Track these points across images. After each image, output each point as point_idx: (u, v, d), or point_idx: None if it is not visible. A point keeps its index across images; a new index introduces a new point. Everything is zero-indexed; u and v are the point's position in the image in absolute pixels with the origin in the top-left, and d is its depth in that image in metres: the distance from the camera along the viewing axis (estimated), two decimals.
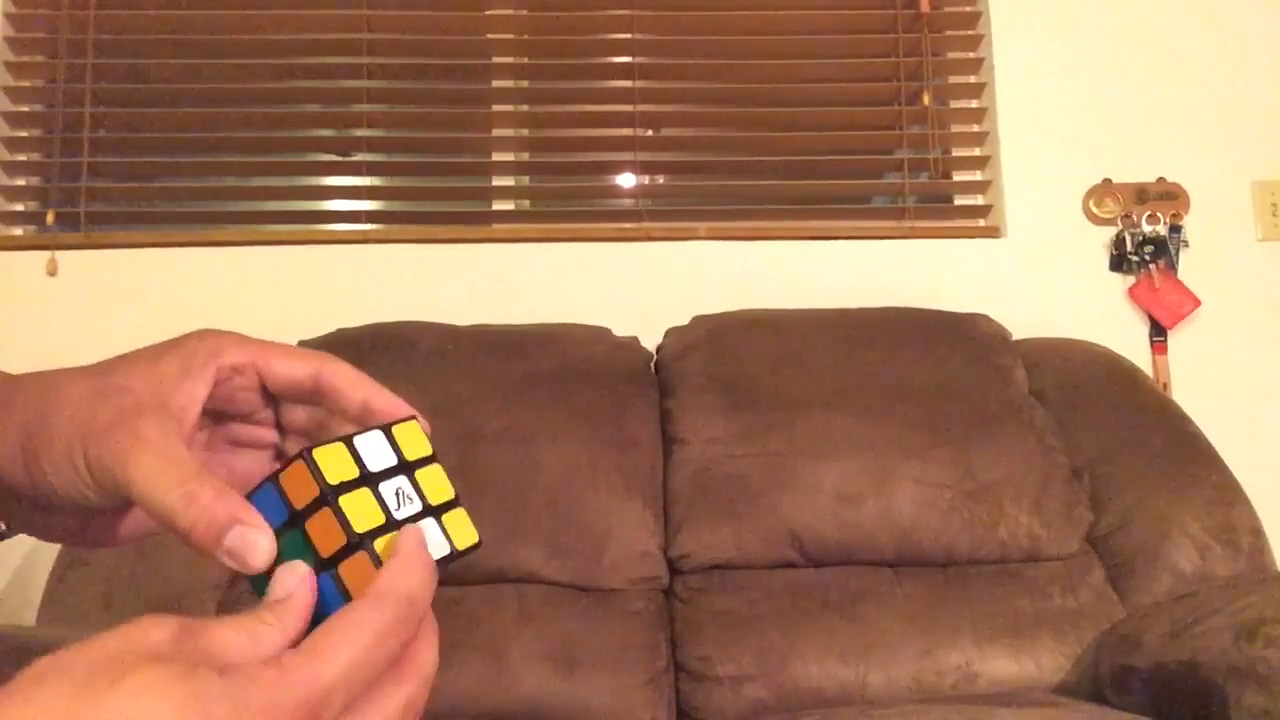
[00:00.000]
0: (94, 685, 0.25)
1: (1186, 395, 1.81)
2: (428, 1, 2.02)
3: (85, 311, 1.87)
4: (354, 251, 1.91)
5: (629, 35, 2.04)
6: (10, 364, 0.41)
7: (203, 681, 0.26)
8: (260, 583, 0.34)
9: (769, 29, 2.04)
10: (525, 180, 2.12)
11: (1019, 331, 1.68)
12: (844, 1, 2.05)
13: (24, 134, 1.99)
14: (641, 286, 1.90)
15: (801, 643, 1.31)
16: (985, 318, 1.66)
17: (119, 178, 2.02)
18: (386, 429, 0.36)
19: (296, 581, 0.32)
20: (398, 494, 0.35)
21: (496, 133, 2.06)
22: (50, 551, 1.47)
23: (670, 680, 1.35)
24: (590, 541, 1.39)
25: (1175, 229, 1.92)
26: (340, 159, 2.05)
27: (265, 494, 0.34)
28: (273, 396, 0.41)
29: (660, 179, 2.06)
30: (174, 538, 0.33)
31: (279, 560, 0.33)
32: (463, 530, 0.37)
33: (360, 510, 0.33)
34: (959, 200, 2.05)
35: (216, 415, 0.40)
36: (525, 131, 2.09)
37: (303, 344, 1.53)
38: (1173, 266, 1.91)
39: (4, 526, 0.40)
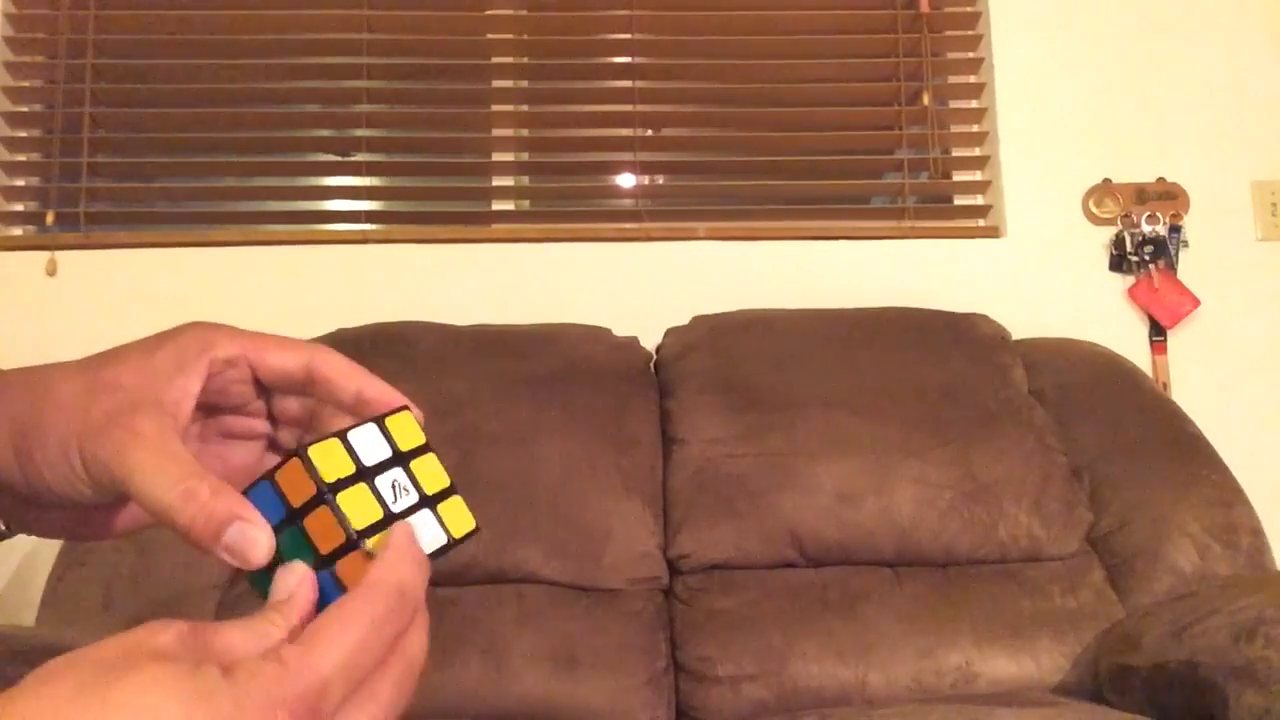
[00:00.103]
0: (101, 681, 0.26)
1: (1186, 395, 1.81)
2: (428, 1, 2.02)
3: (85, 311, 1.86)
4: (354, 251, 1.91)
5: (629, 35, 2.04)
6: (10, 364, 0.41)
7: (206, 678, 0.26)
8: (259, 579, 0.34)
9: (769, 29, 2.04)
10: (525, 180, 2.12)
11: (1019, 331, 1.68)
12: (844, 1, 2.05)
13: (24, 134, 1.99)
14: (641, 286, 1.90)
15: (801, 643, 1.31)
16: (985, 318, 1.66)
17: (119, 178, 2.02)
18: (380, 421, 0.36)
19: (297, 581, 0.32)
20: (394, 486, 0.35)
21: (496, 133, 2.06)
22: (50, 551, 1.47)
23: (670, 680, 1.35)
24: (590, 541, 1.39)
25: (1175, 229, 1.92)
26: (340, 159, 2.05)
27: (262, 491, 0.34)
28: (265, 388, 0.41)
29: (660, 179, 2.06)
30: (172, 536, 0.33)
31: (278, 556, 0.33)
32: (459, 518, 0.37)
33: (357, 506, 0.33)
34: (959, 200, 2.05)
35: (209, 408, 0.40)
36: (525, 131, 2.09)
37: None
38: (1172, 266, 1.91)
39: (3, 526, 0.40)
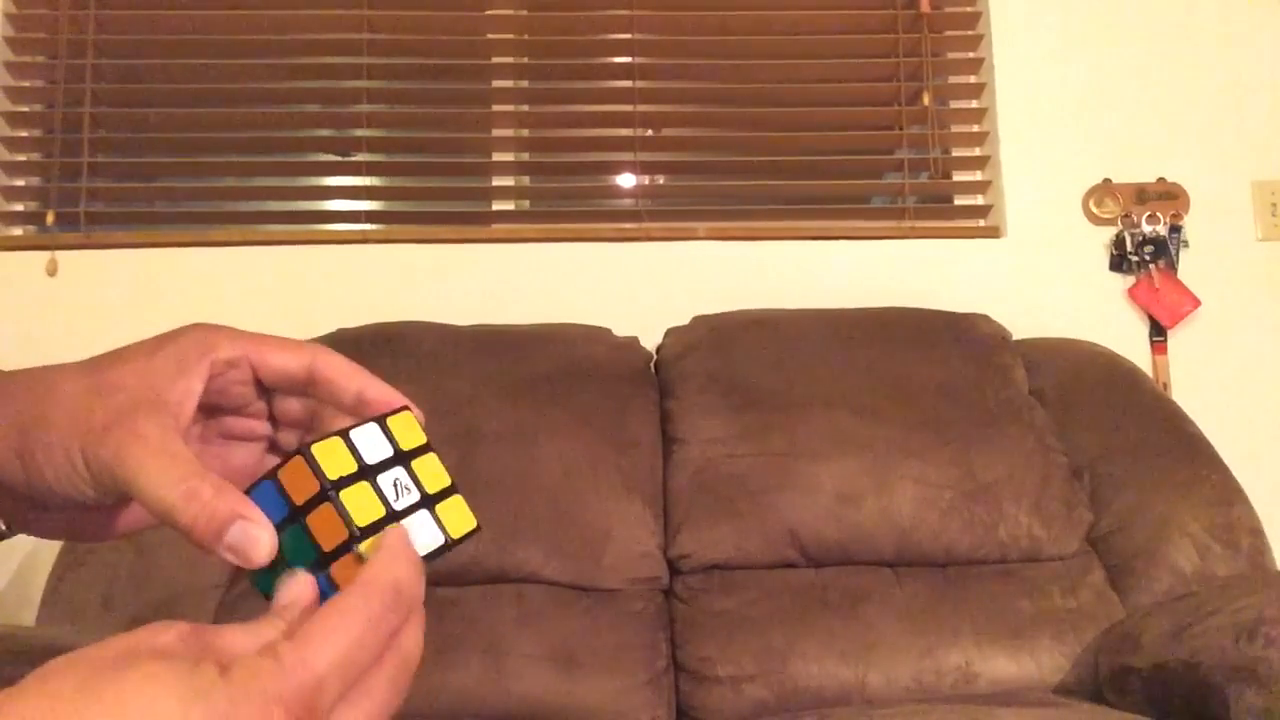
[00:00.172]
0: (100, 679, 0.26)
1: (1186, 395, 1.81)
2: (428, 1, 2.02)
3: (85, 311, 1.87)
4: (354, 251, 1.91)
5: (629, 35, 2.04)
6: (10, 364, 0.41)
7: (203, 676, 0.27)
8: (262, 579, 0.34)
9: (769, 29, 2.04)
10: (525, 180, 2.12)
11: (1019, 331, 1.68)
12: (844, 1, 2.05)
13: (24, 134, 1.99)
14: (641, 286, 1.90)
15: (801, 643, 1.31)
16: (985, 317, 1.66)
17: (119, 178, 2.02)
18: (382, 421, 0.36)
19: (300, 586, 0.33)
20: (396, 485, 0.35)
21: (496, 133, 2.06)
22: (50, 551, 1.47)
23: (670, 680, 1.35)
24: (590, 541, 1.39)
25: (1175, 229, 1.92)
26: (340, 159, 2.05)
27: (264, 490, 0.34)
28: (266, 389, 0.41)
29: (660, 179, 2.06)
30: (172, 536, 0.33)
31: (280, 555, 0.33)
32: (459, 518, 0.37)
33: (360, 503, 0.34)
34: (959, 200, 2.05)
35: (210, 409, 0.41)
36: (525, 131, 2.09)
37: None
38: (1173, 266, 1.91)
39: (4, 526, 0.40)
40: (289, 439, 0.43)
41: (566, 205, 2.06)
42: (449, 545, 0.36)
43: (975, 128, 2.06)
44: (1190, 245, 1.92)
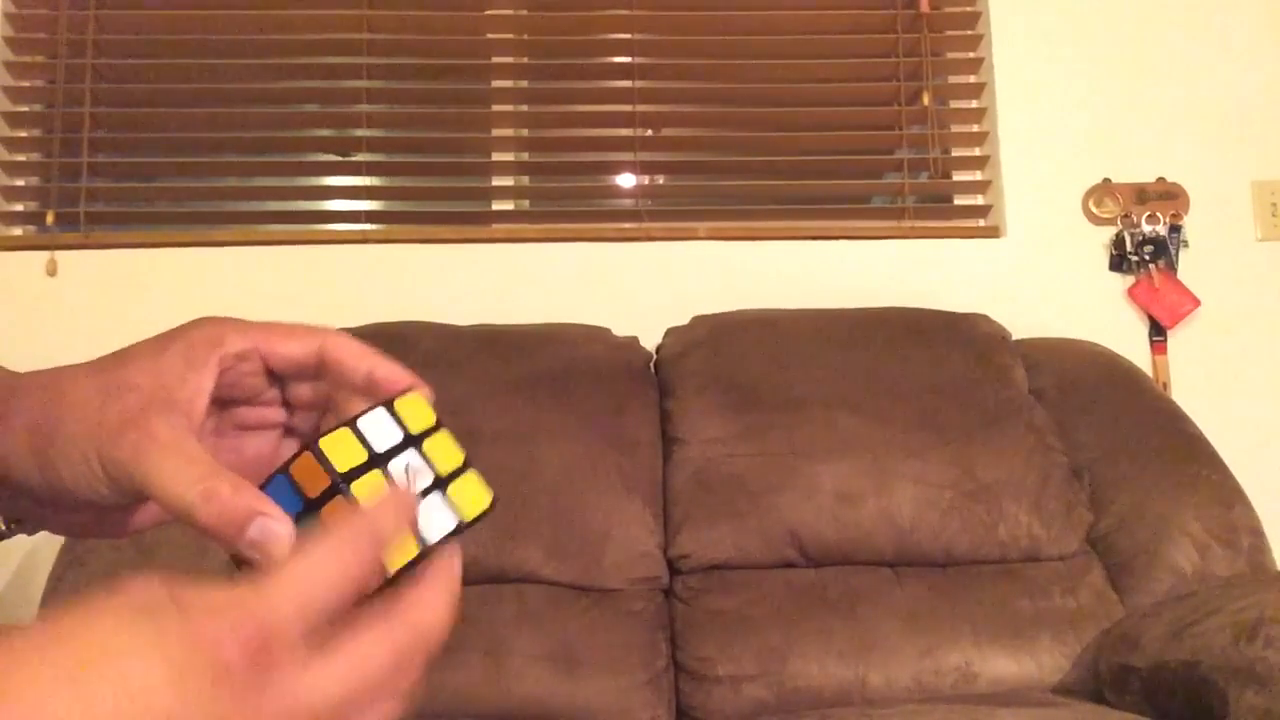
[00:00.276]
0: (55, 614, 0.26)
1: (1186, 395, 1.81)
2: (428, 1, 2.02)
3: (85, 311, 1.86)
4: (354, 251, 1.91)
5: (629, 35, 2.04)
6: (10, 364, 0.41)
7: (161, 616, 0.26)
8: None
9: (769, 29, 2.04)
10: (525, 180, 2.12)
11: (1019, 331, 1.68)
12: (844, 1, 2.05)
13: (24, 134, 1.99)
14: (641, 286, 1.90)
15: (801, 643, 1.31)
16: (985, 318, 1.66)
17: (119, 178, 2.02)
18: (389, 405, 0.36)
19: (286, 540, 0.33)
20: (407, 470, 0.35)
21: (496, 133, 2.06)
22: (50, 551, 1.47)
23: (670, 680, 1.35)
24: (590, 541, 1.39)
25: (1175, 229, 1.92)
26: (340, 159, 2.05)
27: (278, 485, 0.34)
28: (278, 376, 0.41)
29: (660, 179, 2.06)
30: (172, 534, 0.33)
31: None
32: (473, 496, 0.37)
33: (372, 493, 0.34)
34: (959, 200, 2.05)
35: (222, 401, 0.40)
36: (525, 131, 2.09)
37: None
38: (1172, 266, 1.91)
39: (4, 526, 0.40)
40: (304, 423, 0.43)
41: (566, 205, 2.06)
42: (461, 529, 0.36)
43: (975, 128, 2.06)
44: (1190, 245, 1.92)
